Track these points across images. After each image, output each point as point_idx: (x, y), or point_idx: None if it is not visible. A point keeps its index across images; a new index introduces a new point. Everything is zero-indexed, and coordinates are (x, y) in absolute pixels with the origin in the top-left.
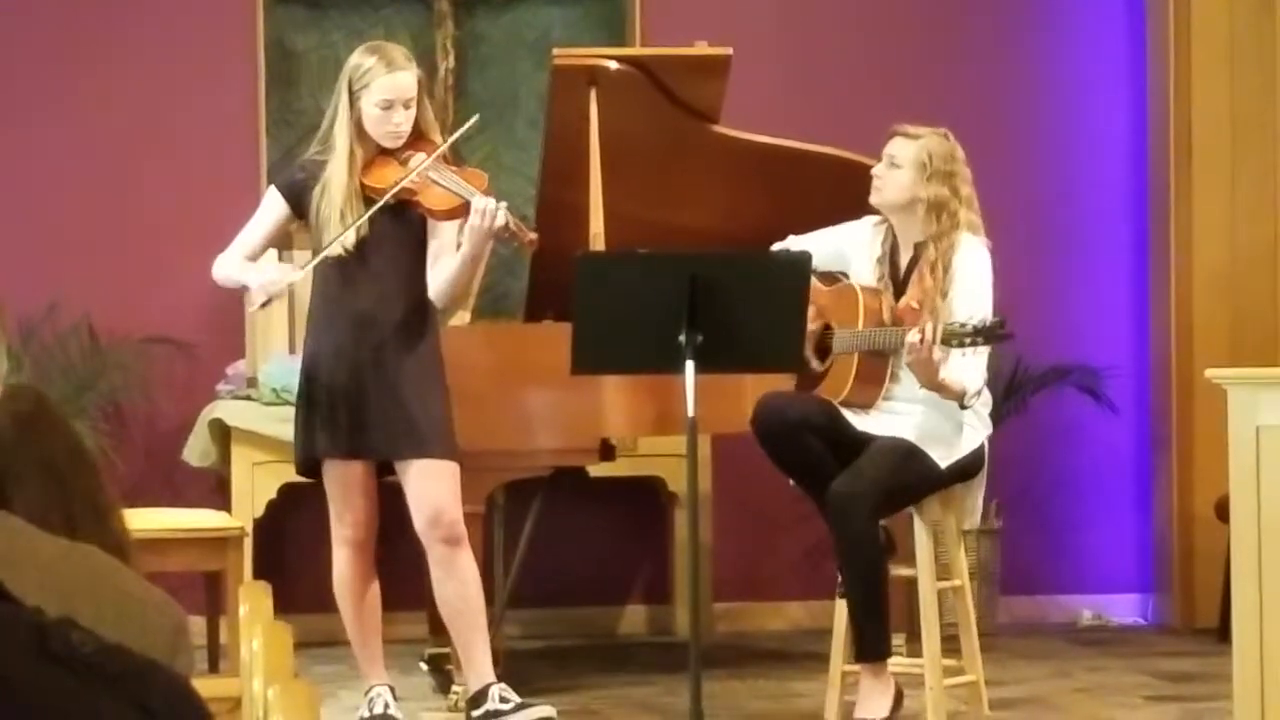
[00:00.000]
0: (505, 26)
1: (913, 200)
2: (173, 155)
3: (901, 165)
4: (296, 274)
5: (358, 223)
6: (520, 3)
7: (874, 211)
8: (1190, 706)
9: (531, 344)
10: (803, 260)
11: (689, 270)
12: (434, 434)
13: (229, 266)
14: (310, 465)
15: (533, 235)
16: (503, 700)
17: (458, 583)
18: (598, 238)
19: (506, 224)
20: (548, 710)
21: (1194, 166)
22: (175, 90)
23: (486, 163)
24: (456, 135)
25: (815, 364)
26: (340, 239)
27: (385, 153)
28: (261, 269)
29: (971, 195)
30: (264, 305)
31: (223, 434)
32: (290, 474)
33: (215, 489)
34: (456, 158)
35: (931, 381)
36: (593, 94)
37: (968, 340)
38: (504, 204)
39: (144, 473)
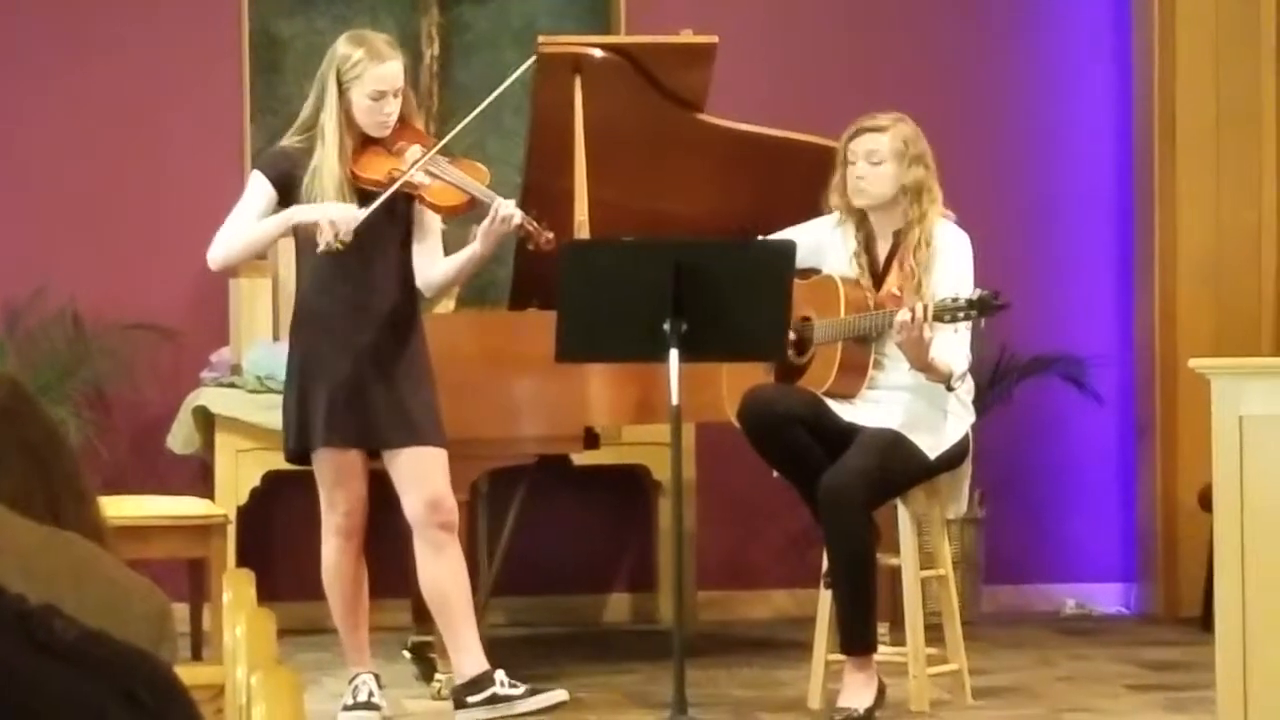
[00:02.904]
0: (490, 14)
1: (897, 191)
2: (158, 142)
3: (883, 159)
4: (362, 213)
5: (376, 206)
6: None
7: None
8: (1173, 695)
9: (516, 332)
10: (787, 248)
11: (673, 258)
12: (427, 421)
13: (245, 230)
14: (302, 454)
15: (549, 234)
16: (512, 685)
17: (449, 569)
18: (583, 226)
19: (523, 225)
20: (561, 695)
21: (1179, 156)
22: (161, 77)
23: (472, 151)
24: (466, 120)
25: (793, 357)
26: (343, 231)
27: (372, 141)
28: (312, 206)
29: (935, 169)
30: (328, 246)
31: (207, 421)
32: (274, 461)
33: (199, 476)
34: (449, 148)
35: (921, 361)
36: (577, 82)
37: (960, 314)
38: (513, 202)
39: (128, 460)
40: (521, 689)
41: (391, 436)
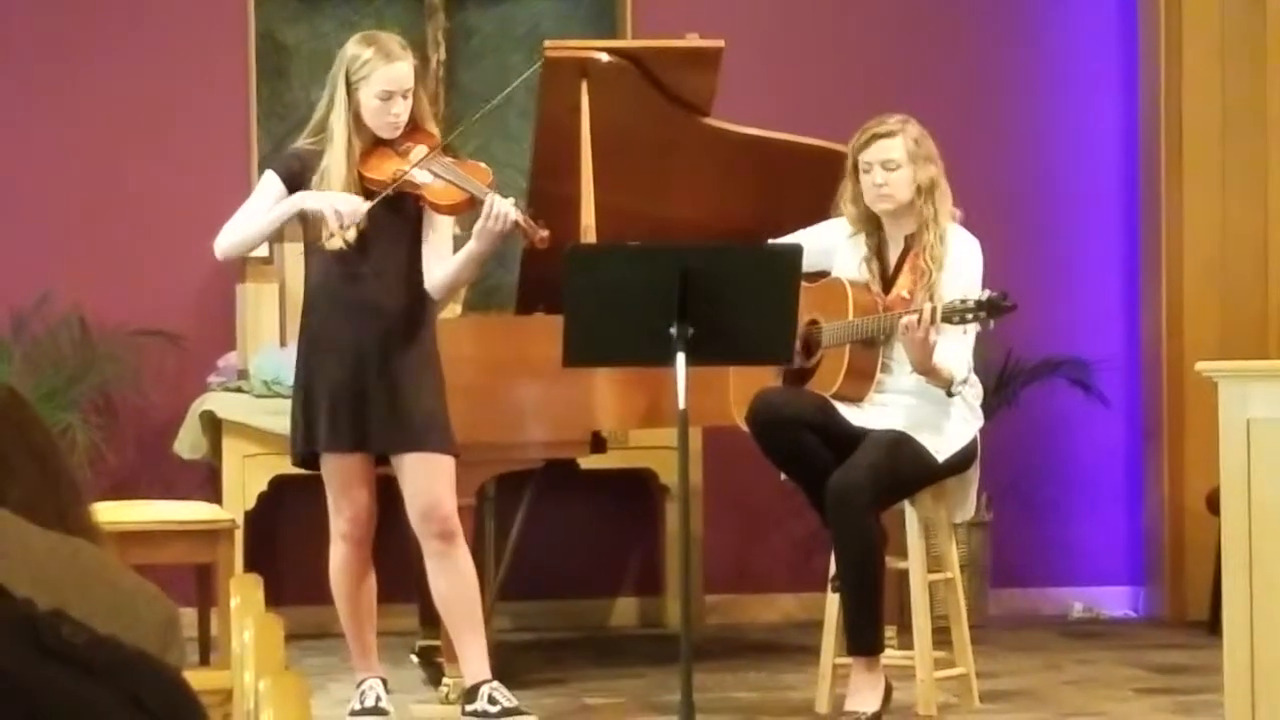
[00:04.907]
0: (496, 19)
1: (914, 193)
2: (164, 148)
3: (900, 164)
4: (366, 205)
5: (371, 205)
6: None
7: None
8: (1181, 699)
9: (523, 336)
10: (793, 252)
11: (680, 262)
12: (430, 427)
13: (254, 218)
14: (308, 458)
15: (544, 233)
16: (491, 702)
17: (452, 578)
18: (589, 230)
19: (518, 222)
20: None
21: (1185, 159)
22: (167, 83)
23: (477, 155)
24: (473, 119)
25: (800, 360)
26: (344, 233)
27: (382, 143)
28: (320, 194)
29: (943, 166)
30: (331, 238)
31: (214, 426)
32: (281, 466)
33: (206, 481)
34: (454, 149)
35: (925, 364)
36: (584, 86)
37: (970, 316)
38: (511, 200)
39: (135, 465)
40: (498, 707)
41: (392, 442)
